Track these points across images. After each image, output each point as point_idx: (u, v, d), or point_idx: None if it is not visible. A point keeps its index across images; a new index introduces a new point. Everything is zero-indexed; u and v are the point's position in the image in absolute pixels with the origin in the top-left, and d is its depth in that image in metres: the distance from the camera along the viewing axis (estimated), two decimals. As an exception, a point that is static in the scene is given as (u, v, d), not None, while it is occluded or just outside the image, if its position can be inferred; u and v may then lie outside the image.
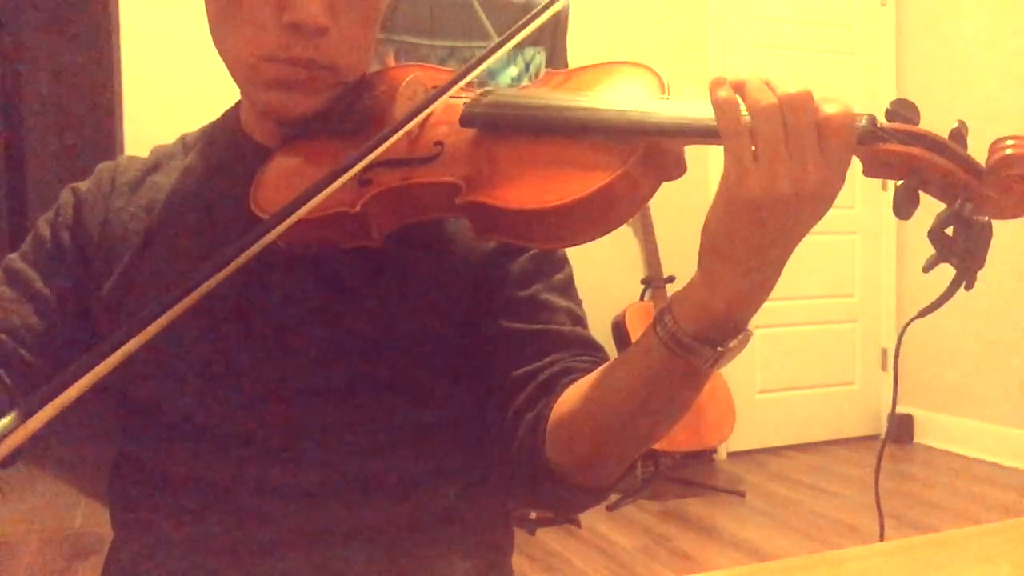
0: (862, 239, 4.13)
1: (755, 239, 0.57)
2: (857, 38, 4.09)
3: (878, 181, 4.05)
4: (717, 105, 0.57)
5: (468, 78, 0.68)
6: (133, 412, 0.80)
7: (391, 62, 0.83)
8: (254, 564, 0.74)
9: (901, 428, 4.02)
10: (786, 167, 0.55)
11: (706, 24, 3.79)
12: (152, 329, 0.57)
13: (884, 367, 4.17)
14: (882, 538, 0.74)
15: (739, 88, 0.57)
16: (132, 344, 0.56)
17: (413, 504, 0.77)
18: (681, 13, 3.76)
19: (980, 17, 3.76)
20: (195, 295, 0.58)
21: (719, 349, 0.61)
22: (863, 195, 4.07)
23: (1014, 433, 3.63)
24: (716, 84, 0.57)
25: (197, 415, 0.76)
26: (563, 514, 2.90)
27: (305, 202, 0.62)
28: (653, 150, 0.63)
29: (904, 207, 0.59)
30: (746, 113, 0.56)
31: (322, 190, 0.63)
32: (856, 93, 4.03)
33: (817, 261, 4.01)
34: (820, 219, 0.58)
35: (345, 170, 0.64)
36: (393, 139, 0.66)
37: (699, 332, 0.61)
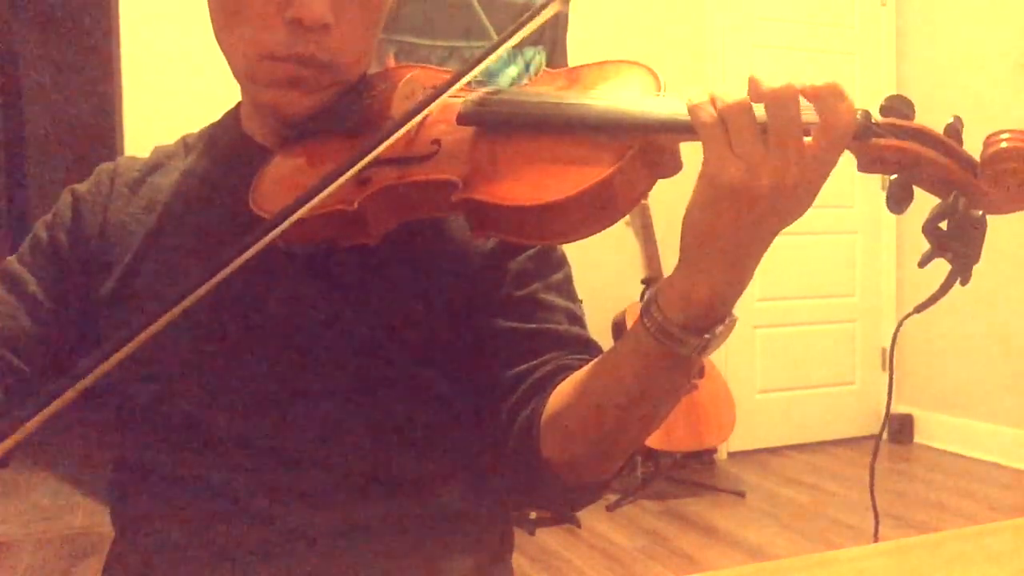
0: (862, 239, 4.13)
1: (735, 229, 0.58)
2: (857, 38, 4.09)
3: (878, 181, 4.05)
4: (689, 108, 0.59)
5: (467, 78, 0.68)
6: (134, 413, 0.80)
7: (391, 62, 0.83)
8: (254, 565, 0.74)
9: (901, 428, 4.02)
10: (764, 160, 0.56)
11: (706, 24, 3.79)
12: (152, 330, 0.57)
13: (884, 367, 4.16)
14: (876, 538, 0.74)
15: (710, 98, 0.59)
16: (131, 346, 0.56)
17: (413, 504, 0.77)
18: (681, 13, 3.76)
19: (980, 17, 3.75)
20: (195, 296, 0.58)
21: (706, 336, 0.61)
22: (863, 195, 4.07)
23: (1014, 433, 3.63)
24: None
25: (197, 416, 0.76)
26: (561, 512, 2.90)
27: (306, 202, 0.63)
28: (649, 146, 0.63)
29: (898, 201, 0.60)
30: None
31: (322, 190, 0.63)
32: (856, 93, 4.00)
33: (817, 261, 4.01)
34: (804, 212, 0.59)
35: (345, 170, 0.64)
36: (391, 140, 0.66)
37: (685, 321, 0.61)
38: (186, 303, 0.58)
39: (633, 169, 0.63)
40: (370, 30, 0.79)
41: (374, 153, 0.66)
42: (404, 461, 0.77)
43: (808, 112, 0.57)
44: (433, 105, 0.68)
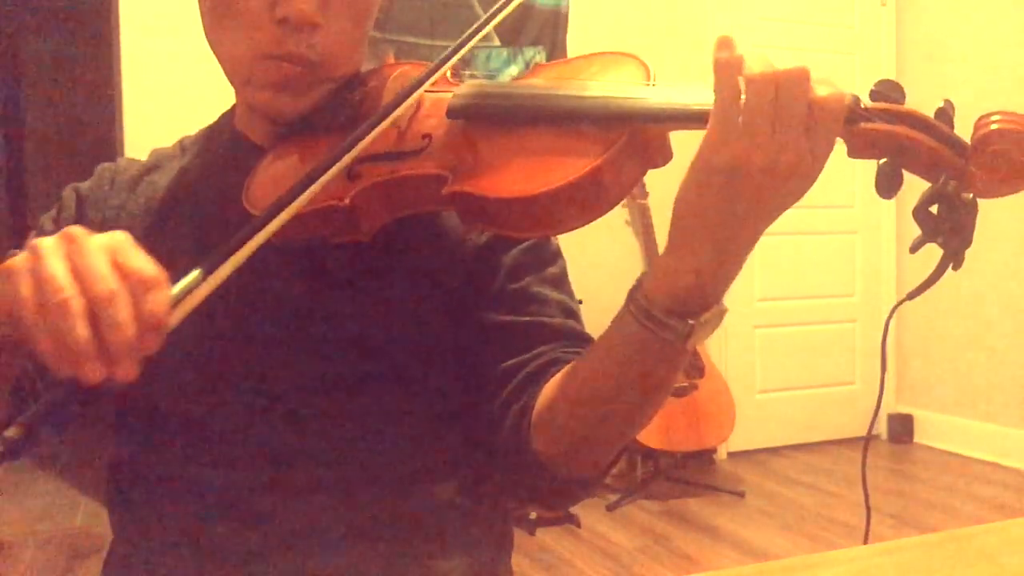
0: (862, 239, 4.13)
1: (725, 210, 0.57)
2: (857, 38, 4.09)
3: (878, 181, 4.04)
4: (718, 65, 0.57)
5: (447, 66, 0.68)
6: (129, 412, 0.80)
7: (391, 62, 0.83)
8: (252, 563, 0.74)
9: (901, 428, 4.02)
10: (766, 141, 0.55)
11: (706, 24, 3.79)
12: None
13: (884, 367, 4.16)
14: (867, 539, 0.74)
15: (739, 60, 0.57)
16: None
17: (411, 501, 0.77)
18: (681, 13, 3.76)
19: (980, 17, 3.76)
20: (194, 298, 0.59)
21: (691, 323, 0.60)
22: (863, 195, 4.06)
23: (1014, 433, 3.63)
24: (721, 45, 0.57)
25: (191, 413, 0.76)
26: (553, 507, 2.90)
27: (295, 197, 0.63)
28: (638, 136, 0.63)
29: (887, 187, 0.59)
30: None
31: (309, 185, 0.63)
32: (856, 93, 4.02)
33: (817, 261, 4.01)
34: (796, 200, 0.58)
35: (330, 165, 0.64)
36: (376, 131, 0.66)
37: (670, 306, 0.61)
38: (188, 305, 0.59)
39: (622, 159, 0.63)
40: (359, 28, 0.79)
41: (359, 147, 0.66)
42: (400, 457, 0.77)
43: None
44: (415, 95, 0.68)
